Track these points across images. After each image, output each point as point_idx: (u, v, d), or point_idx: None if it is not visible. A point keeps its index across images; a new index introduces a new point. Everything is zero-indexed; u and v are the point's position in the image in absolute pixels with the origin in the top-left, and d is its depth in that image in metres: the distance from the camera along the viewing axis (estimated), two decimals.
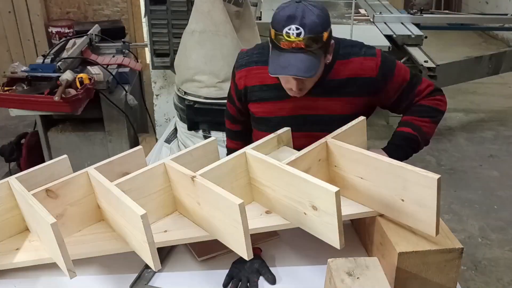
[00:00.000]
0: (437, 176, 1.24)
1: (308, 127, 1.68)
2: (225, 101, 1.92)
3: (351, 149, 1.43)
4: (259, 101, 1.73)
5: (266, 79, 1.65)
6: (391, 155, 1.47)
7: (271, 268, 1.45)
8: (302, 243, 1.53)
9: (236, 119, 1.90)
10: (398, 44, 4.39)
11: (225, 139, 2.03)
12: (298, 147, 1.57)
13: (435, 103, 1.70)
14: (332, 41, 1.53)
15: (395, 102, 1.70)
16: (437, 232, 1.30)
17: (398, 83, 1.65)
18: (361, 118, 1.61)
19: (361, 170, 1.42)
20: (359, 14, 5.02)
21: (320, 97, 1.64)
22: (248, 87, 1.72)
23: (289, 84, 1.54)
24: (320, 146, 1.49)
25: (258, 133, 1.79)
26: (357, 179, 1.45)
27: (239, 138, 1.92)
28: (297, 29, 1.41)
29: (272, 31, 1.46)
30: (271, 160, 1.39)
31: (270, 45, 1.51)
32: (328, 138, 1.50)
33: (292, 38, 1.42)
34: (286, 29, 1.42)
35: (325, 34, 1.45)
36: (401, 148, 1.64)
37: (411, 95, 1.67)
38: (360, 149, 1.42)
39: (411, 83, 1.67)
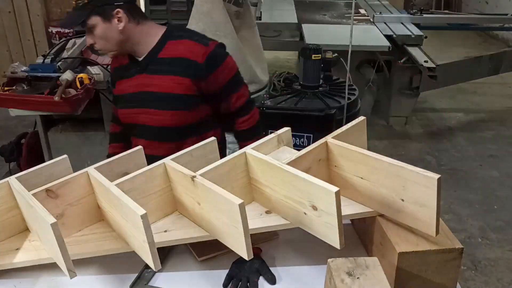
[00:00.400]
0: (437, 176, 1.24)
1: (146, 104, 1.81)
2: None
3: (351, 149, 1.43)
4: (118, 79, 1.91)
5: (121, 60, 1.88)
6: None
7: (271, 268, 1.45)
8: (302, 243, 1.53)
9: (116, 118, 1.99)
10: (398, 44, 4.39)
11: (225, 139, 2.03)
12: (139, 123, 1.82)
13: (251, 122, 1.90)
14: (118, 10, 1.71)
15: (217, 97, 1.82)
16: (437, 232, 1.30)
17: (220, 78, 1.79)
18: (361, 118, 1.62)
19: (361, 170, 1.42)
20: (359, 14, 5.02)
21: (155, 74, 1.79)
22: (114, 69, 1.96)
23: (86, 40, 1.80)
24: (320, 146, 1.49)
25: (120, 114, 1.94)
26: (357, 179, 1.45)
27: (120, 140, 2.03)
28: None
29: None
30: (271, 160, 1.39)
31: None
32: (328, 138, 1.50)
33: None
34: None
35: None
36: None
37: (229, 99, 1.83)
38: (360, 149, 1.42)
39: (231, 83, 1.81)
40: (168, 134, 1.82)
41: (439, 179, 1.24)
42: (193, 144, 1.55)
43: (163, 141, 1.82)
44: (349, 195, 1.50)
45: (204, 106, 1.83)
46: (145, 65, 1.80)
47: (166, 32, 1.80)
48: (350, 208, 1.46)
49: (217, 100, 1.83)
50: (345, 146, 1.45)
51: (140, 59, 1.81)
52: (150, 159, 1.53)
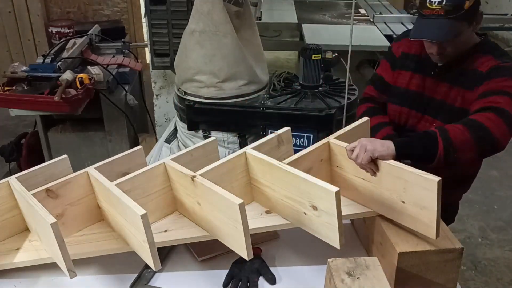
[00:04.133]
0: (437, 178, 1.24)
1: (422, 109, 1.72)
2: (225, 101, 1.91)
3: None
4: (402, 69, 1.77)
5: (411, 49, 1.75)
6: (398, 147, 1.40)
7: (271, 268, 1.45)
8: (302, 243, 1.53)
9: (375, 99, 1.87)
10: None
11: (225, 139, 2.03)
12: (410, 126, 1.73)
13: (483, 119, 1.49)
14: (481, 11, 1.57)
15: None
16: (438, 235, 1.30)
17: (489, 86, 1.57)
18: (365, 119, 1.61)
19: (362, 171, 1.42)
20: (359, 14, 5.02)
21: (445, 83, 1.67)
22: (403, 53, 1.78)
23: (430, 49, 1.61)
24: (322, 146, 1.49)
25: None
26: (359, 180, 1.45)
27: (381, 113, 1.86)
28: None
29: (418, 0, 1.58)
30: (271, 160, 1.39)
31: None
32: (331, 138, 1.50)
33: (433, 6, 1.51)
34: None
35: (467, 3, 1.50)
36: (411, 141, 1.50)
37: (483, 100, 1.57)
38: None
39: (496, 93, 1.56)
40: None
41: (439, 182, 1.24)
42: None
43: None
44: (350, 196, 1.50)
45: None
46: (441, 71, 1.67)
47: (478, 44, 1.64)
48: (350, 208, 1.46)
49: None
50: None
51: (440, 63, 1.66)
52: None
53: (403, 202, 1.34)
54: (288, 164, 1.38)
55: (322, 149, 1.49)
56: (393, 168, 1.33)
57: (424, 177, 1.26)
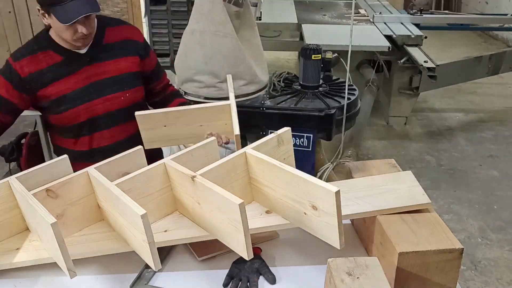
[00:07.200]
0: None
1: (106, 91, 1.84)
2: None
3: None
4: (52, 81, 1.78)
5: (53, 59, 1.78)
6: None
7: (271, 268, 1.45)
8: (302, 243, 1.53)
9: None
10: (398, 44, 4.39)
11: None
12: (99, 114, 1.83)
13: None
14: None
15: (153, 75, 1.98)
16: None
17: (153, 57, 1.98)
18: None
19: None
20: (359, 14, 5.02)
21: (105, 61, 1.83)
22: (36, 72, 1.76)
23: (79, 30, 1.69)
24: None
25: (61, 130, 1.90)
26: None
27: None
28: None
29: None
30: (271, 160, 1.39)
31: (48, 9, 1.70)
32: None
33: None
34: None
35: None
36: None
37: (162, 78, 2.03)
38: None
39: (159, 65, 2.02)
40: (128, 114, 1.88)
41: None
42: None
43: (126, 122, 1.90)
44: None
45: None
46: (92, 55, 1.81)
47: (99, 21, 1.84)
48: (350, 208, 1.46)
49: (155, 78, 2.00)
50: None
51: (84, 51, 1.80)
52: (116, 146, 1.66)
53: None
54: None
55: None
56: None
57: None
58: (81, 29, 1.68)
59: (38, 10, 1.74)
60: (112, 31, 1.86)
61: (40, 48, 1.78)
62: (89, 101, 1.82)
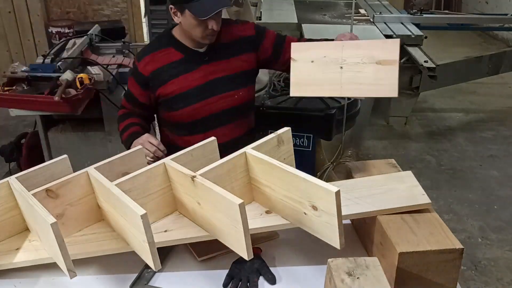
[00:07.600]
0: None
1: (221, 89, 1.86)
2: None
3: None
4: (170, 78, 1.83)
5: (174, 56, 1.83)
6: None
7: (271, 268, 1.45)
8: (302, 243, 1.53)
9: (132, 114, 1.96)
10: None
11: None
12: (218, 110, 1.86)
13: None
14: None
15: (273, 54, 1.93)
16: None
17: (270, 38, 1.93)
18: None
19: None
20: (359, 14, 5.02)
21: (221, 60, 1.86)
22: (157, 69, 1.83)
23: (209, 26, 1.73)
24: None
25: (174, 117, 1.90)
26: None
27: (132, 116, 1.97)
28: None
29: None
30: (271, 160, 1.39)
31: (183, 6, 1.71)
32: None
33: None
34: None
35: None
36: None
37: (284, 44, 1.92)
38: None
39: (280, 35, 1.96)
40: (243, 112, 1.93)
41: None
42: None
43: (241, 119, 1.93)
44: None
45: None
46: (210, 54, 1.84)
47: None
48: (350, 208, 1.45)
49: (276, 54, 1.94)
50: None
51: (203, 50, 1.84)
52: (228, 145, 1.64)
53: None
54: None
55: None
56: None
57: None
58: (212, 25, 1.72)
59: (170, 9, 1.77)
60: (227, 30, 1.88)
61: (162, 45, 1.85)
62: (205, 99, 1.84)
